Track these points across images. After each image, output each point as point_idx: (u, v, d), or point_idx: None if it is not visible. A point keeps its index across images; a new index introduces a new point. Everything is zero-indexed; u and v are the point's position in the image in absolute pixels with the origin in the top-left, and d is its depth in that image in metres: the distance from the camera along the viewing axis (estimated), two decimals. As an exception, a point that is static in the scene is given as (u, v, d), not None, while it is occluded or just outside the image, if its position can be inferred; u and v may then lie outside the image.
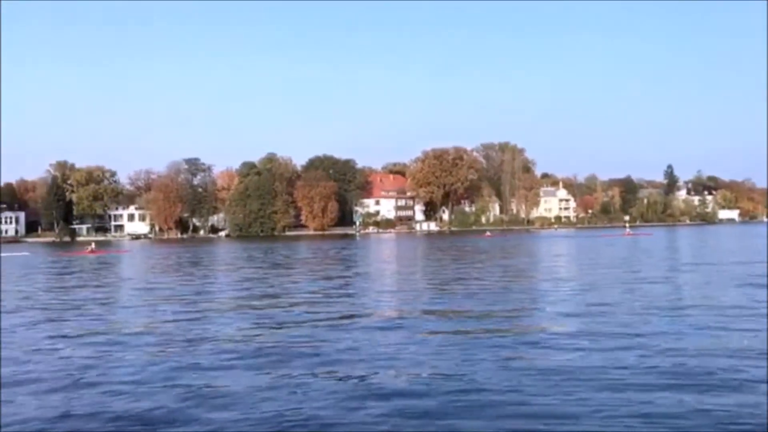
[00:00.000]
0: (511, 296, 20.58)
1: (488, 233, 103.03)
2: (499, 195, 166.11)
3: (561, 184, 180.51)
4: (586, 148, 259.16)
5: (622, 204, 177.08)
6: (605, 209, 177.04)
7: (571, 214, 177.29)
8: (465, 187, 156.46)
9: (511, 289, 22.54)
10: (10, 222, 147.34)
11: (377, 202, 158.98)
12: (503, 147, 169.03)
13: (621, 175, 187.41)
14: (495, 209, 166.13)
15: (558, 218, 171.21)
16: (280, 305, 19.50)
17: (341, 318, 16.38)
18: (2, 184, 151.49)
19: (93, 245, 69.51)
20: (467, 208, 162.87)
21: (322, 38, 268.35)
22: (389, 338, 13.36)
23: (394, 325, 15.26)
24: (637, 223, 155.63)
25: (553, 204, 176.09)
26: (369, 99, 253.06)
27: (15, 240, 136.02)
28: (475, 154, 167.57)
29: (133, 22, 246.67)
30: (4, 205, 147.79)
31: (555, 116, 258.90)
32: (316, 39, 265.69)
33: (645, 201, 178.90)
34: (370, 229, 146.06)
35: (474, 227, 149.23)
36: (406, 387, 9.52)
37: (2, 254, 62.93)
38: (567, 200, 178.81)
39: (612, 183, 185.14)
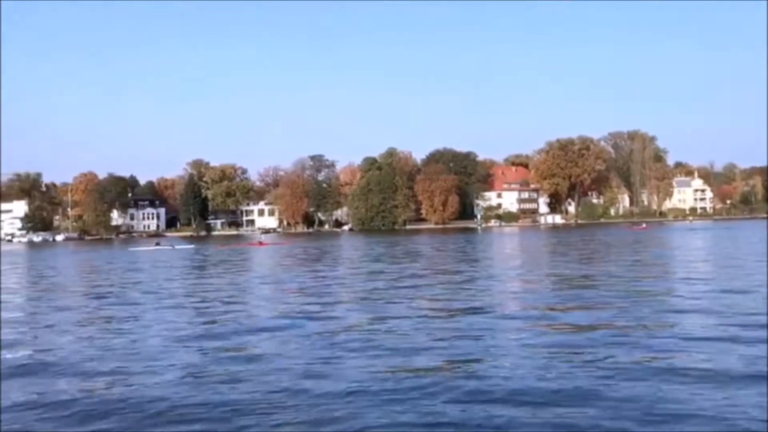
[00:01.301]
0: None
1: (644, 225, 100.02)
2: (629, 186, 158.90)
3: (696, 174, 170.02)
4: (724, 134, 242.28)
5: (765, 194, 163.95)
6: (745, 199, 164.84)
7: (708, 205, 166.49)
8: (592, 178, 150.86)
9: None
10: (152, 218, 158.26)
11: (499, 195, 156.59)
12: (632, 135, 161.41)
13: (762, 163, 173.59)
14: (624, 201, 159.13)
15: (693, 209, 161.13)
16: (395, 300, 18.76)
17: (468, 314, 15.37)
18: (144, 182, 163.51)
19: (262, 238, 73.47)
20: (594, 200, 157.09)
21: (442, 30, 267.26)
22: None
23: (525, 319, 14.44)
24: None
25: (687, 195, 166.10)
26: (490, 90, 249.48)
27: (156, 234, 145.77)
28: (602, 143, 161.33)
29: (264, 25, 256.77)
30: (146, 202, 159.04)
31: (689, 101, 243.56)
32: (436, 30, 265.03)
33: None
34: (492, 222, 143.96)
35: (602, 220, 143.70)
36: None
37: (176, 246, 68.12)
38: (702, 190, 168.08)
39: (753, 171, 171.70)
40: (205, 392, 8.85)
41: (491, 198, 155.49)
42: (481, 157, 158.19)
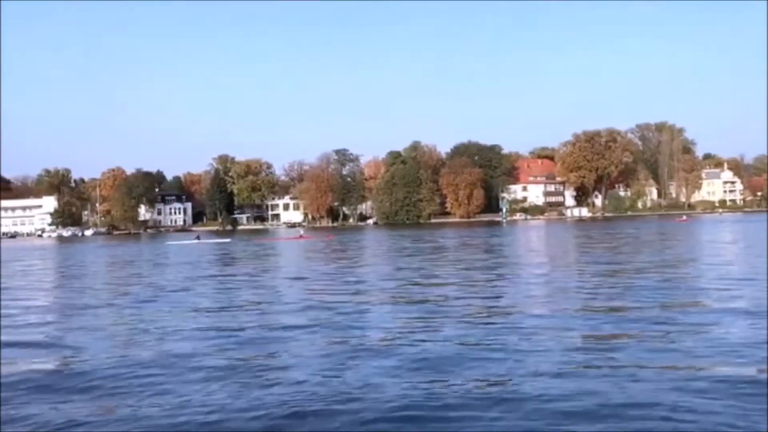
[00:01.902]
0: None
1: (684, 217, 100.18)
2: (656, 178, 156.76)
3: (726, 165, 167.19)
4: (755, 125, 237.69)
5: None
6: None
7: (738, 197, 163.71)
8: (619, 170, 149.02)
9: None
10: (179, 212, 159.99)
11: (524, 188, 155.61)
12: (660, 127, 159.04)
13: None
14: (652, 193, 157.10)
15: (722, 202, 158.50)
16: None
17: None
18: (171, 178, 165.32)
19: (302, 231, 74.54)
20: (621, 193, 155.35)
21: (465, 21, 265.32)
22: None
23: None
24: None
25: (716, 187, 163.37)
26: (514, 83, 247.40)
27: (183, 229, 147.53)
28: (629, 135, 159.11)
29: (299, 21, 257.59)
30: (173, 197, 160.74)
31: (718, 92, 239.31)
32: (460, 22, 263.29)
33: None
34: (518, 216, 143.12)
35: (629, 212, 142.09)
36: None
37: (210, 240, 69.35)
38: (732, 182, 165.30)
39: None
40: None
41: (516, 191, 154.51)
42: (506, 150, 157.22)
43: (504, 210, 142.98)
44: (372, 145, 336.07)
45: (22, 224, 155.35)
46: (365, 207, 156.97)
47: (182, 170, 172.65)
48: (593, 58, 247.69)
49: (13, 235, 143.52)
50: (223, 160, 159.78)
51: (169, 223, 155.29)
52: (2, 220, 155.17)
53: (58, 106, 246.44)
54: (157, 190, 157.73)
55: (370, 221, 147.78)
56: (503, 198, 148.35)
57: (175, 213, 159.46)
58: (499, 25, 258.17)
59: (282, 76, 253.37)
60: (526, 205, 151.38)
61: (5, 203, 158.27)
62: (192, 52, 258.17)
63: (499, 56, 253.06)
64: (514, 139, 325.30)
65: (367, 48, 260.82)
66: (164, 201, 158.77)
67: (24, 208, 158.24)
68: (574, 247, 41.13)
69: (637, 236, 50.15)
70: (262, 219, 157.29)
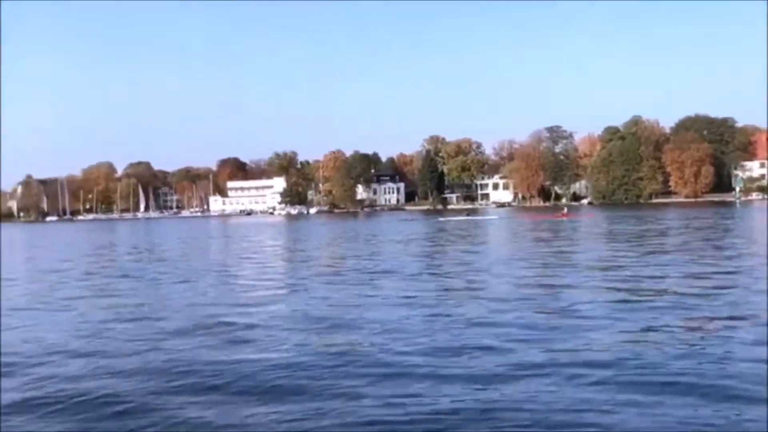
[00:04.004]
0: None
1: None
2: None
3: None
4: None
5: None
6: None
7: None
8: None
9: None
10: (392, 192, 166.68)
11: (762, 165, 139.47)
12: None
13: None
14: None
15: None
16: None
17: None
18: (385, 159, 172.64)
19: (565, 210, 74.54)
20: None
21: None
22: None
23: None
24: None
25: None
26: (747, 47, 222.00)
27: (397, 208, 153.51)
28: None
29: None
30: (387, 177, 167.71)
31: None
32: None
33: None
34: (754, 195, 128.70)
35: None
36: None
37: (477, 218, 73.59)
38: None
39: None
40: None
41: (753, 168, 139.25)
42: (740, 124, 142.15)
43: (737, 189, 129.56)
44: (587, 122, 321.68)
45: (256, 203, 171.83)
46: (579, 186, 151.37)
47: (395, 152, 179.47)
48: None
49: (249, 213, 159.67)
50: (434, 140, 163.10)
51: (383, 203, 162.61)
52: (240, 199, 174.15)
53: (286, 96, 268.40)
54: (372, 171, 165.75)
55: (584, 201, 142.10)
56: (736, 175, 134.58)
57: (388, 193, 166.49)
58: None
59: (491, 54, 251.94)
60: (763, 183, 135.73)
61: (243, 183, 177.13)
62: (420, 44, 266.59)
63: (732, 22, 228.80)
64: (751, 111, 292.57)
65: (581, 15, 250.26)
66: (379, 181, 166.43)
67: (258, 188, 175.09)
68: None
69: None
70: (471, 198, 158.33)
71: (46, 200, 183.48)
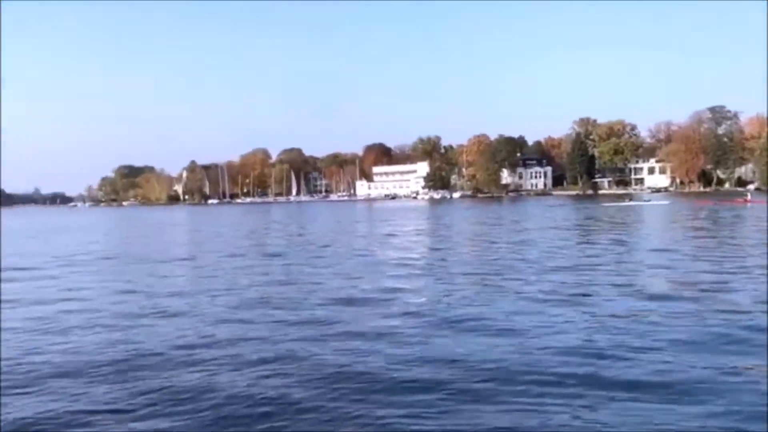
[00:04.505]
0: None
1: None
2: None
3: None
4: None
5: None
6: None
7: None
8: None
9: None
10: (539, 176, 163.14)
11: None
12: None
13: None
14: None
15: None
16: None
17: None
18: (532, 142, 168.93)
19: (748, 195, 70.29)
20: None
21: None
22: None
23: None
24: None
25: None
26: None
27: (543, 193, 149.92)
28: None
29: None
30: (534, 161, 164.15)
31: None
32: None
33: None
34: None
35: None
36: None
37: (644, 203, 70.73)
38: None
39: None
40: None
41: None
42: None
43: None
44: (757, 100, 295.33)
45: (400, 187, 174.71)
46: (744, 170, 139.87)
47: (543, 135, 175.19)
48: None
49: (393, 197, 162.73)
50: (584, 123, 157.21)
51: (529, 187, 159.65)
52: (384, 183, 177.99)
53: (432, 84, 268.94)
54: (518, 154, 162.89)
55: (751, 186, 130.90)
56: None
57: (535, 177, 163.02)
58: None
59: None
60: None
61: (387, 168, 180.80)
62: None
63: None
64: None
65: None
66: (525, 165, 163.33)
67: (402, 173, 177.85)
68: None
69: None
70: (624, 183, 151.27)
71: (208, 184, 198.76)
